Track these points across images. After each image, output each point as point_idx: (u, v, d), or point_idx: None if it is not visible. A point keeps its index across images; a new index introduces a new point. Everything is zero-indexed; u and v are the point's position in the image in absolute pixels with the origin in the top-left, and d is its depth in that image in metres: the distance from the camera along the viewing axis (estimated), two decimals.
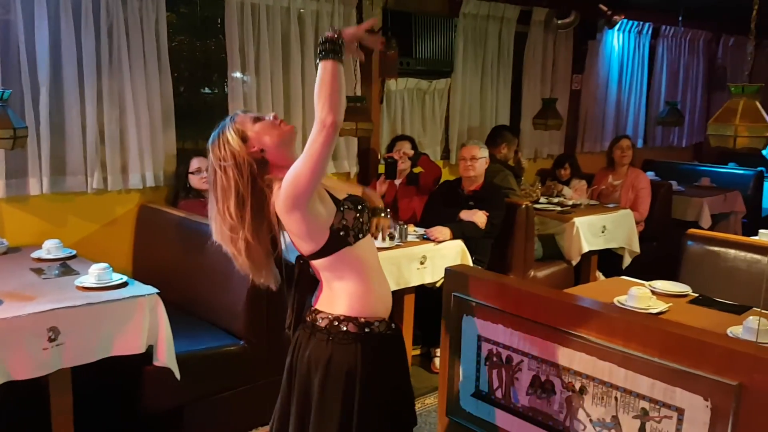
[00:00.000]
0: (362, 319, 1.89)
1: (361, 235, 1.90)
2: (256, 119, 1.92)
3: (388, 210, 2.17)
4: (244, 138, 1.88)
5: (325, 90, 1.67)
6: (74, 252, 3.29)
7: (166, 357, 2.73)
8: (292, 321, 2.00)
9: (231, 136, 1.88)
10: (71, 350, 2.52)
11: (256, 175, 1.87)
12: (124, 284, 2.77)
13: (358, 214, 1.89)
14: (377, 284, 1.95)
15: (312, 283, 2.01)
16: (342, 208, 1.87)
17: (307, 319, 1.96)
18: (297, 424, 1.94)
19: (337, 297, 1.92)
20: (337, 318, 1.89)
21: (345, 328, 1.88)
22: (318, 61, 1.71)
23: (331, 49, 1.69)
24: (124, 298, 2.65)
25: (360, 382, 1.87)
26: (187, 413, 3.00)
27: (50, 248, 3.23)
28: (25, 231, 3.52)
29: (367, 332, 1.89)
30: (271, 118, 1.94)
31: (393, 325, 1.99)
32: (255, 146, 1.88)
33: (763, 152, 6.08)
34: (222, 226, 1.89)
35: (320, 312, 1.93)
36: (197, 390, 2.98)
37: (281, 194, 1.80)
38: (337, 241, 1.86)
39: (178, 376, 2.76)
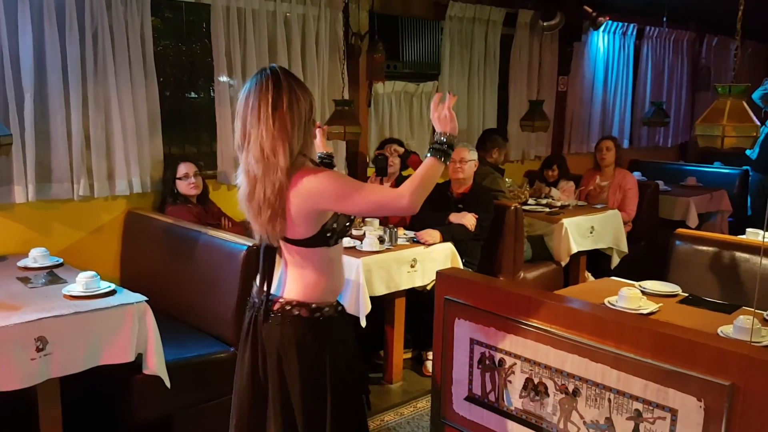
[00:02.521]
0: (313, 305, 1.98)
1: (339, 240, 2.03)
2: None
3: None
4: None
5: (428, 184, 1.88)
6: (61, 260, 3.25)
7: (155, 365, 2.70)
8: (264, 297, 2.01)
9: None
10: (59, 360, 2.48)
11: (307, 129, 1.93)
12: (112, 292, 2.74)
13: (348, 223, 2.01)
14: (335, 278, 2.05)
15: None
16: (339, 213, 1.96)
17: (255, 301, 2.04)
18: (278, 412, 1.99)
19: (294, 282, 2.00)
20: (289, 302, 1.98)
21: (297, 313, 1.97)
22: (433, 156, 1.92)
23: (448, 153, 1.93)
24: (113, 307, 2.62)
25: (314, 360, 1.97)
26: (177, 421, 2.97)
27: (36, 257, 3.19)
28: (11, 239, 3.48)
29: (317, 316, 1.98)
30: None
31: (340, 307, 2.08)
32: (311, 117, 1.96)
33: (747, 152, 6.16)
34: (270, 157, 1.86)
35: (276, 296, 2.01)
36: (187, 398, 2.95)
37: (318, 186, 1.87)
38: (321, 239, 1.96)
39: (168, 384, 2.73)
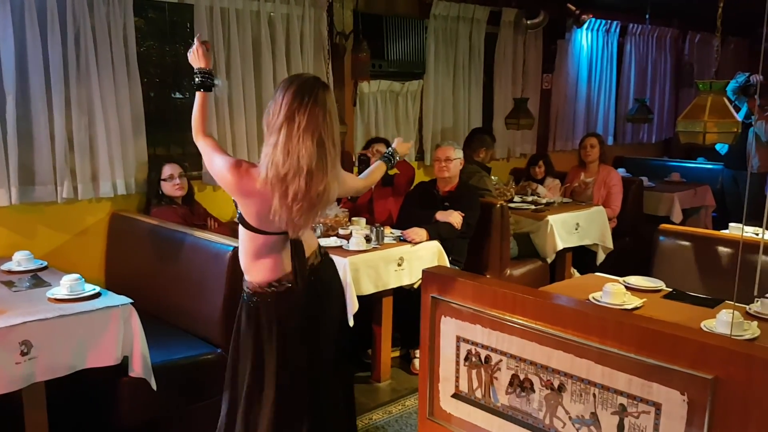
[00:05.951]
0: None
1: None
2: None
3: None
4: None
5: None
6: (45, 263, 3.23)
7: (141, 368, 2.69)
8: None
9: None
10: (44, 364, 2.47)
11: None
12: (97, 295, 2.72)
13: None
14: None
15: None
16: None
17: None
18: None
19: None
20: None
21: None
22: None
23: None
24: (97, 309, 2.61)
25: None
26: (164, 424, 2.96)
27: (20, 260, 3.17)
28: None
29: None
30: None
31: None
32: None
33: (716, 146, 6.19)
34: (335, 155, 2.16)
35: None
36: (174, 400, 2.94)
37: (349, 186, 2.47)
38: None
39: (154, 386, 2.72)
